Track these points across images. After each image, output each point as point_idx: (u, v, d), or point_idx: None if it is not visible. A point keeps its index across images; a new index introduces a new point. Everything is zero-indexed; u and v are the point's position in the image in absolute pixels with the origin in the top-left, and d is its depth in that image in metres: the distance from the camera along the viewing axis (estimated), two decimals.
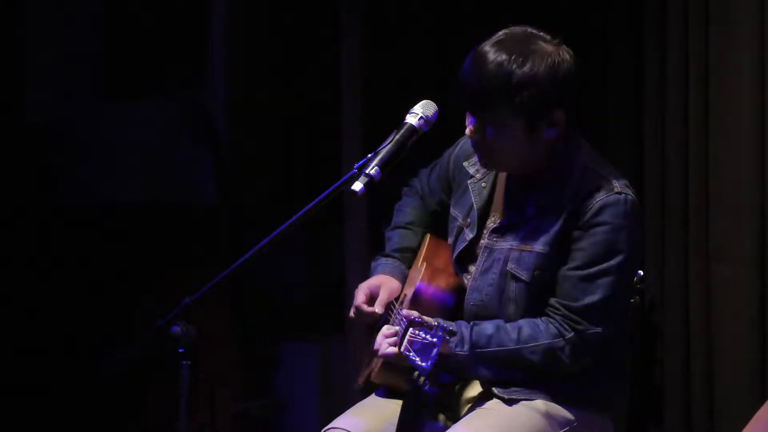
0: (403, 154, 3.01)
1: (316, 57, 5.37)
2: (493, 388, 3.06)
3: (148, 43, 5.82)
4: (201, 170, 5.65)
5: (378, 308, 3.20)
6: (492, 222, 3.14)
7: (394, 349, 2.95)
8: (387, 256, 3.35)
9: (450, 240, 3.23)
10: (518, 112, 2.96)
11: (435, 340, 2.72)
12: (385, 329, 3.01)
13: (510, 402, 3.03)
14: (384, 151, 2.97)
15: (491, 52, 2.96)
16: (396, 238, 3.38)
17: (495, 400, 3.06)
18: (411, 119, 3.02)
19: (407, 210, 3.41)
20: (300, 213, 2.94)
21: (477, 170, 3.20)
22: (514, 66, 2.94)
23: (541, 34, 3.02)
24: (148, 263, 5.39)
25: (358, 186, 2.93)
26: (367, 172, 2.94)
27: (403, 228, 3.39)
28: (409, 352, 2.75)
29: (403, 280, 3.30)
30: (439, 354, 2.72)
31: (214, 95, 5.68)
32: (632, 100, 4.35)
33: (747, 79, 4.01)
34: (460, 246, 3.17)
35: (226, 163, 5.61)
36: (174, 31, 5.78)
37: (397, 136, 3.00)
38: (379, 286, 3.24)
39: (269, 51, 5.56)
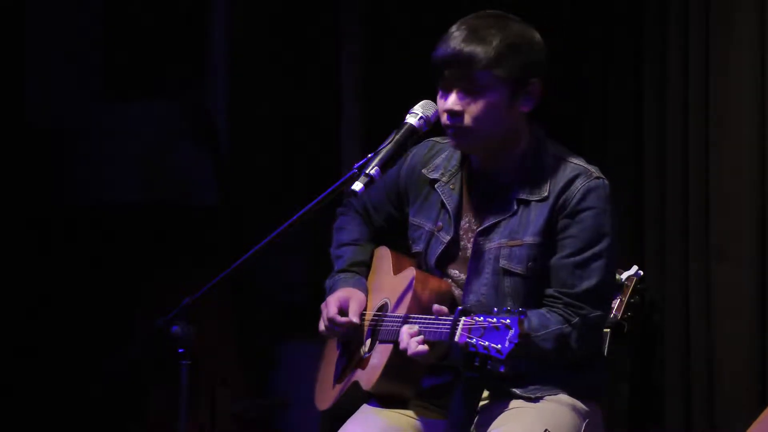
0: (403, 154, 3.01)
1: (316, 57, 5.37)
2: (513, 389, 3.05)
3: (148, 43, 5.82)
4: (201, 170, 5.65)
5: (354, 318, 3.17)
6: (466, 222, 3.13)
7: (425, 347, 2.90)
8: (343, 271, 3.32)
9: (418, 248, 3.19)
10: (504, 78, 2.97)
11: (507, 321, 2.66)
12: (407, 329, 2.97)
13: (536, 399, 3.04)
14: (384, 151, 2.97)
15: (470, 25, 3.01)
16: (347, 254, 3.35)
17: (517, 400, 3.05)
18: (411, 119, 3.02)
19: (350, 228, 3.39)
20: (300, 213, 2.94)
21: (441, 174, 3.17)
22: (500, 34, 2.98)
23: (510, 15, 3.06)
24: (148, 263, 5.39)
25: (358, 186, 2.93)
26: (367, 172, 2.94)
27: (351, 245, 3.36)
28: (471, 338, 2.70)
29: (366, 292, 3.28)
30: (519, 334, 2.67)
31: (214, 95, 5.68)
32: (632, 100, 4.35)
33: (747, 79, 4.02)
34: (438, 249, 3.14)
35: (226, 163, 5.61)
36: (174, 31, 5.78)
37: (397, 136, 3.00)
38: (348, 299, 3.21)
39: (269, 51, 5.56)
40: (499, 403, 3.06)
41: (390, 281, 3.21)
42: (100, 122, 5.93)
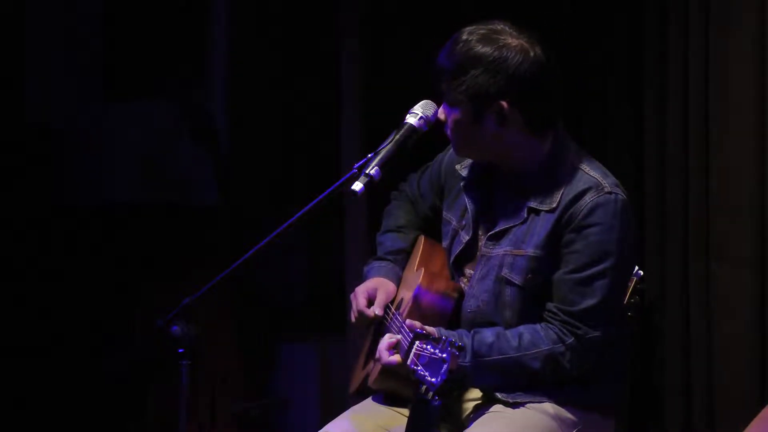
0: (403, 154, 3.01)
1: (316, 57, 5.37)
2: (497, 394, 3.04)
3: (148, 43, 5.82)
4: (201, 170, 5.65)
5: (377, 310, 3.19)
6: (484, 224, 3.13)
7: (397, 358, 2.95)
8: (380, 259, 3.35)
9: (445, 243, 3.22)
10: (463, 95, 2.98)
11: (444, 355, 2.71)
12: (387, 338, 2.99)
13: (515, 405, 3.03)
14: (384, 151, 2.97)
15: (454, 39, 3.03)
16: (388, 241, 3.37)
17: (499, 405, 3.05)
18: (411, 119, 3.03)
19: (398, 213, 3.41)
20: (300, 213, 2.94)
21: (469, 172, 3.19)
22: (466, 48, 2.98)
23: (514, 31, 3.03)
24: (148, 263, 5.39)
25: (358, 186, 2.93)
26: (367, 172, 2.94)
27: (395, 231, 3.38)
28: (417, 366, 2.73)
29: (398, 282, 3.29)
30: (449, 370, 2.71)
31: (214, 95, 5.68)
32: (632, 101, 4.35)
33: (747, 80, 4.01)
34: (457, 249, 3.16)
35: (226, 163, 5.61)
36: (174, 31, 5.78)
37: (397, 136, 3.00)
38: (376, 289, 3.24)
39: (269, 51, 5.56)
40: (484, 407, 3.07)
41: (411, 277, 3.23)
42: (100, 122, 5.93)
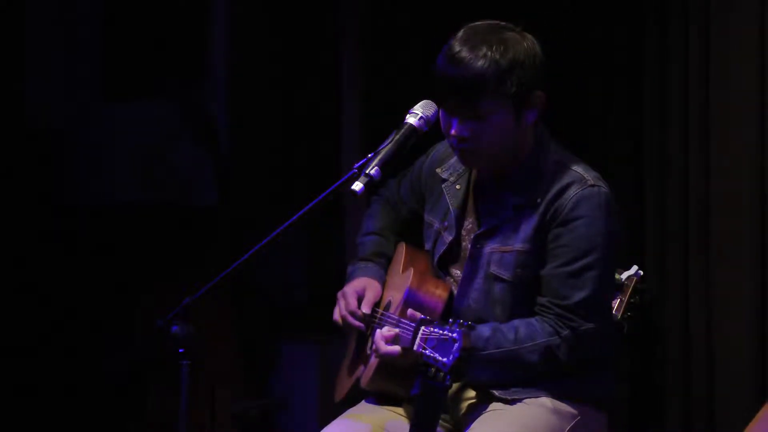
0: (403, 154, 3.01)
1: (316, 57, 5.38)
2: (493, 391, 3.05)
3: (148, 43, 5.82)
4: (201, 170, 5.66)
5: (366, 308, 3.19)
6: (469, 223, 3.14)
7: (397, 348, 2.95)
8: (364, 260, 3.35)
9: (428, 246, 3.22)
10: (508, 100, 2.96)
11: (454, 335, 2.71)
12: (385, 330, 3.00)
13: (513, 401, 3.03)
14: (384, 151, 2.97)
15: (467, 48, 2.95)
16: (370, 244, 3.37)
17: (498, 403, 3.05)
18: (411, 119, 3.02)
19: (378, 217, 3.41)
20: (300, 213, 2.94)
21: (450, 174, 3.19)
22: (497, 55, 2.94)
23: (503, 24, 3.03)
24: (148, 263, 5.39)
25: (358, 186, 2.93)
26: (367, 172, 2.94)
27: (376, 234, 3.39)
28: (425, 349, 2.73)
29: (382, 284, 3.30)
30: (461, 348, 2.71)
31: (214, 95, 5.68)
32: (633, 101, 4.35)
33: (747, 79, 4.02)
34: (441, 249, 3.17)
35: (226, 163, 5.61)
36: (174, 31, 5.78)
37: (397, 136, 3.00)
38: (365, 288, 3.24)
39: (269, 51, 5.57)
40: (481, 405, 3.07)
41: (397, 280, 3.23)
42: (100, 122, 5.93)
